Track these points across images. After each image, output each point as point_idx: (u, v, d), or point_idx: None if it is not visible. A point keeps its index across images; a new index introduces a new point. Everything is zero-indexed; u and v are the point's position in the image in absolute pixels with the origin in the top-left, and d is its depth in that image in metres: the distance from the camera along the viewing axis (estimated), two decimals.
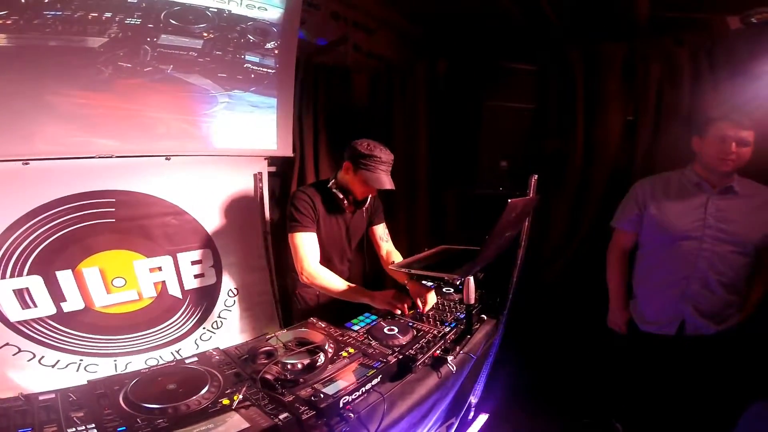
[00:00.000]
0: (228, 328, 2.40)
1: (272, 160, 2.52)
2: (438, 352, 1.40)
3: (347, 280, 1.82)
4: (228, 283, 2.38)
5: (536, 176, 1.76)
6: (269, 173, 2.52)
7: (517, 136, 2.51)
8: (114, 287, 1.98)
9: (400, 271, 1.63)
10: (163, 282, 2.13)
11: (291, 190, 2.64)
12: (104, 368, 1.99)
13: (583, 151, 2.47)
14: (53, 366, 1.87)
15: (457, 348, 1.43)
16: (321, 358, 1.25)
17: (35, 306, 1.78)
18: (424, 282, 1.78)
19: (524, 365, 2.50)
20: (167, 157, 2.05)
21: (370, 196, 1.86)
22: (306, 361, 1.22)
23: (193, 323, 2.26)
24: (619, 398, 2.20)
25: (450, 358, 1.36)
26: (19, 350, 1.78)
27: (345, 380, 1.16)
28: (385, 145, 1.74)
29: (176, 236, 2.16)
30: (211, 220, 2.28)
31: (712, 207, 1.69)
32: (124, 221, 1.96)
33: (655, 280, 1.86)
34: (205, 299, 2.29)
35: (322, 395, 1.08)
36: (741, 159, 1.61)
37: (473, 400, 1.82)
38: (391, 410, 1.16)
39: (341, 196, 1.78)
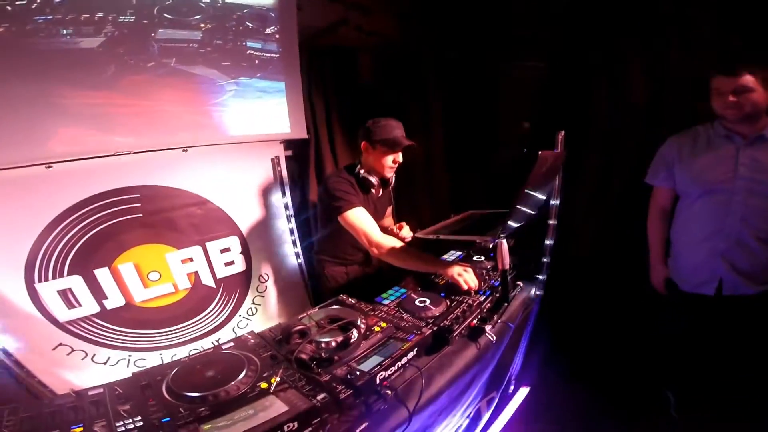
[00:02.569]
0: (263, 314, 2.43)
1: (288, 144, 2.47)
2: (475, 321, 1.33)
3: (368, 260, 1.83)
4: (258, 268, 2.39)
5: (563, 132, 1.61)
6: (286, 157, 2.47)
7: (536, 97, 2.34)
8: (150, 281, 2.01)
9: (428, 237, 1.56)
10: (196, 272, 2.16)
11: (309, 172, 2.59)
12: (152, 362, 2.06)
13: (609, 104, 2.28)
14: (105, 363, 1.95)
15: (495, 317, 1.36)
16: (354, 335, 1.21)
17: (80, 305, 1.83)
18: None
19: (563, 334, 2.40)
20: (184, 149, 2.03)
21: (394, 172, 1.85)
22: (339, 339, 1.19)
23: (229, 311, 2.29)
24: (667, 366, 2.09)
25: (488, 327, 1.29)
26: (72, 350, 1.86)
27: (380, 356, 1.12)
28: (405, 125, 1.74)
29: (203, 226, 2.16)
30: (235, 207, 2.27)
31: (745, 157, 1.58)
32: (151, 215, 1.97)
33: (687, 237, 1.79)
34: (237, 286, 2.32)
35: (357, 373, 1.04)
36: (748, 105, 1.50)
37: (513, 372, 1.77)
38: (429, 385, 1.11)
39: (370, 178, 1.79)
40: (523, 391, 1.93)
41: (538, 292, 1.70)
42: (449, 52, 2.73)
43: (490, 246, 1.51)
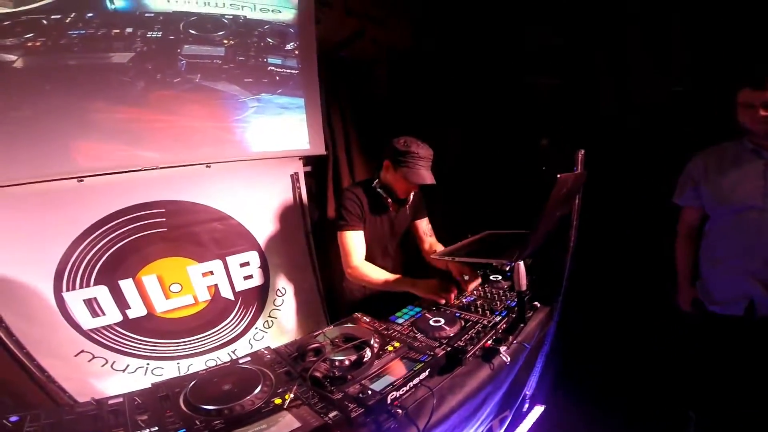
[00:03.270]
0: (279, 327, 2.45)
1: (307, 160, 2.52)
2: (489, 342, 1.31)
3: None
4: (276, 282, 2.42)
5: (583, 151, 1.60)
6: (305, 173, 2.52)
7: (555, 112, 2.32)
8: (172, 293, 2.06)
9: (444, 259, 1.55)
10: (216, 285, 2.20)
11: (327, 188, 2.63)
12: (169, 371, 2.09)
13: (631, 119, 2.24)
14: (124, 371, 1.99)
15: (510, 338, 1.33)
16: (367, 354, 1.21)
17: (103, 314, 1.89)
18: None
19: (581, 353, 2.32)
20: (208, 165, 2.10)
21: (412, 193, 1.86)
22: (353, 357, 1.20)
23: (246, 324, 2.32)
24: (690, 385, 1.99)
25: (503, 348, 1.27)
26: (93, 357, 1.90)
27: (392, 375, 1.12)
28: (421, 140, 1.73)
29: (224, 240, 2.22)
30: (255, 223, 2.32)
31: None
32: (174, 229, 2.03)
33: (718, 257, 1.71)
34: (255, 300, 2.35)
35: (369, 392, 1.04)
36: None
37: (528, 392, 1.71)
38: (441, 405, 1.09)
39: (385, 195, 1.80)
40: (538, 410, 1.86)
41: (555, 313, 1.66)
42: (464, 64, 2.74)
43: (507, 268, 1.49)
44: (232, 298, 2.26)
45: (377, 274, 1.71)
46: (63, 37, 1.65)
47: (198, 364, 2.16)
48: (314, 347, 1.20)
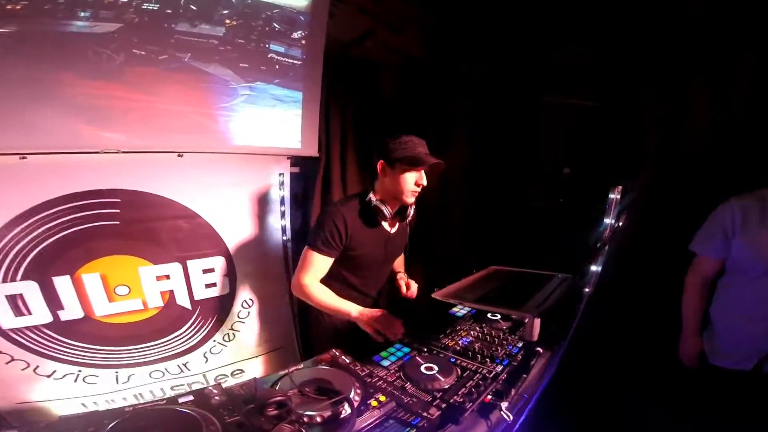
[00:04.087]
0: (240, 341, 2.17)
1: (295, 160, 2.28)
2: (489, 397, 1.09)
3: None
4: (243, 293, 2.15)
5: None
6: (292, 174, 2.28)
7: (577, 138, 2.14)
8: (117, 295, 1.77)
9: (449, 302, 1.32)
10: (171, 291, 1.91)
11: (315, 193, 2.38)
12: (104, 380, 1.80)
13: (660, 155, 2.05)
14: (49, 376, 1.69)
15: (513, 391, 1.12)
16: (346, 409, 0.97)
17: (29, 313, 1.59)
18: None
19: (576, 395, 2.14)
20: (180, 154, 1.83)
21: (413, 204, 1.58)
22: (327, 414, 0.95)
23: (202, 335, 2.03)
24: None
25: (504, 404, 1.05)
26: (12, 359, 1.61)
27: None
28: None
29: (187, 242, 1.94)
30: (227, 225, 2.05)
31: None
32: (129, 224, 1.75)
33: (739, 313, 1.57)
34: (216, 310, 2.07)
35: None
36: None
37: None
38: None
39: (382, 208, 1.52)
40: None
41: (556, 359, 1.46)
42: (478, 77, 2.55)
43: (525, 320, 1.28)
44: (189, 306, 1.97)
45: (323, 296, 1.51)
46: (49, 1, 1.43)
47: (141, 375, 1.87)
48: (277, 400, 0.94)
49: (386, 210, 1.52)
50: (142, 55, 1.65)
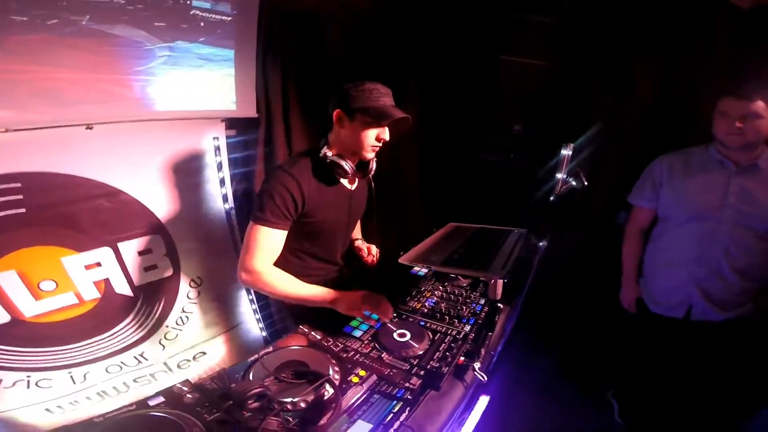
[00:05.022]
0: (196, 323, 2.11)
1: (232, 123, 2.09)
2: (462, 359, 1.21)
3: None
4: (189, 272, 2.04)
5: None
6: (229, 138, 2.09)
7: (532, 96, 2.19)
8: (43, 292, 1.59)
9: (415, 265, 1.36)
10: (107, 280, 1.76)
11: (257, 156, 2.22)
12: (59, 382, 1.70)
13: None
14: None
15: (482, 350, 1.25)
16: (329, 390, 1.02)
17: None
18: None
19: (529, 346, 2.44)
20: (88, 126, 1.57)
21: (373, 156, 1.44)
22: (310, 398, 0.99)
23: (153, 322, 1.94)
24: (621, 376, 2.23)
25: (477, 365, 1.18)
26: None
27: (366, 421, 0.94)
28: None
29: (113, 223, 1.75)
30: (159, 200, 1.87)
31: (735, 186, 1.58)
32: (38, 210, 1.52)
33: (665, 260, 1.81)
34: (162, 294, 1.96)
35: None
36: (752, 134, 1.50)
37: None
38: None
39: (341, 163, 1.35)
40: (484, 400, 1.90)
41: (516, 311, 1.64)
42: (432, 32, 2.44)
43: (489, 281, 1.38)
44: (130, 293, 1.84)
45: (284, 285, 1.33)
46: None
47: (96, 372, 1.78)
48: (256, 392, 0.95)
49: (346, 165, 1.36)
50: (24, 21, 1.33)
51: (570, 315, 2.51)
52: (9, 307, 1.51)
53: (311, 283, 1.39)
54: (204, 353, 2.12)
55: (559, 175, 1.50)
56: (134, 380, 1.84)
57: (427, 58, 2.48)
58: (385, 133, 1.36)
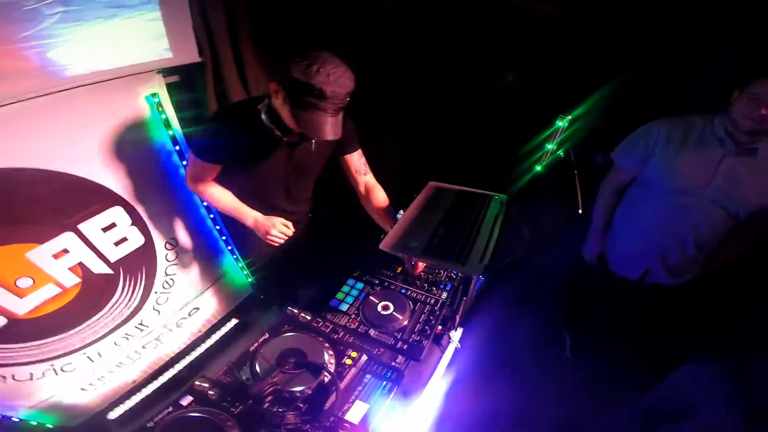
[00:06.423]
0: (182, 283, 2.29)
1: (172, 73, 1.87)
2: (439, 327, 1.48)
3: (306, 227, 1.85)
4: (162, 235, 2.11)
5: None
6: (173, 84, 1.90)
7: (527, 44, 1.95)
8: (23, 289, 1.67)
9: (399, 255, 1.46)
10: (80, 263, 1.83)
11: (210, 99, 2.04)
12: (80, 363, 1.97)
13: None
14: (30, 379, 1.83)
15: (457, 317, 1.52)
16: (326, 376, 1.28)
17: None
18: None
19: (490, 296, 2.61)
20: None
21: None
22: (313, 385, 1.25)
23: (141, 293, 2.10)
24: (576, 317, 2.58)
25: (453, 333, 1.46)
26: None
27: (364, 401, 1.23)
28: (341, 57, 1.33)
29: (65, 206, 1.72)
30: (106, 171, 1.80)
31: (727, 166, 1.62)
32: None
33: (634, 226, 1.93)
34: (141, 263, 2.07)
35: (348, 425, 1.16)
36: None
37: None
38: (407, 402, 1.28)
39: (269, 125, 1.49)
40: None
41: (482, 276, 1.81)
42: None
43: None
44: (109, 271, 1.94)
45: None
46: None
47: (107, 347, 2.05)
48: (270, 391, 1.21)
49: (277, 129, 1.48)
50: None
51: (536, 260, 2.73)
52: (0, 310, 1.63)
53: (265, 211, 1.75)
54: (197, 308, 2.37)
55: (549, 146, 1.51)
56: (143, 347, 2.11)
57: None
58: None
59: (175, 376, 2.31)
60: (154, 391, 2.23)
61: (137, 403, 2.17)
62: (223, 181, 1.73)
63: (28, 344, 1.76)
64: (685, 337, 2.33)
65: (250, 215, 1.71)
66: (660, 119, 1.76)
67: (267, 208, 1.78)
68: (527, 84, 2.03)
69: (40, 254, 1.69)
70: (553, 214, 2.24)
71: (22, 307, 1.69)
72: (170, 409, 1.22)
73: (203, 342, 2.48)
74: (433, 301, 1.58)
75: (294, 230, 1.71)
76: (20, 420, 1.85)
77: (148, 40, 1.69)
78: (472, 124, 2.27)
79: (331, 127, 1.35)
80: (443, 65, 2.23)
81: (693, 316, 2.28)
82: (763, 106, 1.46)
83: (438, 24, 2.20)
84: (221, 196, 1.71)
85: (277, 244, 1.70)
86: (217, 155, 1.58)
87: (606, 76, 2.01)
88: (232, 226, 2.10)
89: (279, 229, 1.66)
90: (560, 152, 1.67)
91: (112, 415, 2.10)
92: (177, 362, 2.36)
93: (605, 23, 2.02)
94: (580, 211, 1.97)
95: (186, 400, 1.25)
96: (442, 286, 1.64)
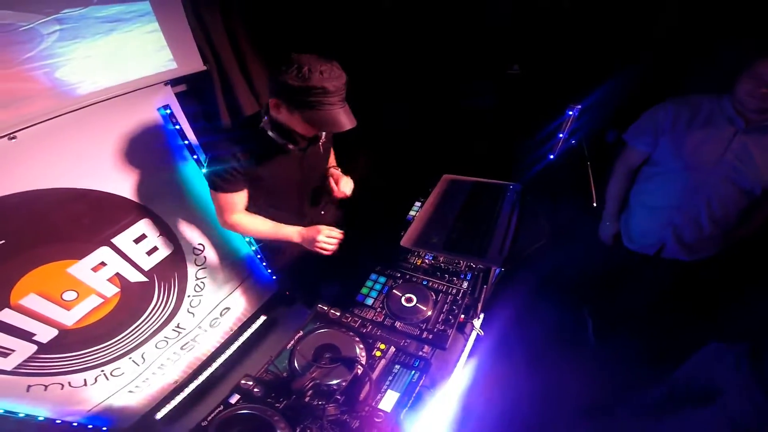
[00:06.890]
0: (212, 285, 2.44)
1: (180, 84, 1.96)
2: (462, 316, 1.57)
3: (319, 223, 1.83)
4: (189, 242, 2.25)
5: None
6: (181, 94, 1.99)
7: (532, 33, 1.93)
8: (69, 302, 1.84)
9: (420, 250, 1.54)
10: (117, 274, 1.98)
11: (219, 107, 2.13)
12: (126, 367, 2.17)
13: None
14: (84, 385, 2.03)
15: (479, 305, 1.60)
16: (359, 369, 1.39)
17: (12, 351, 1.72)
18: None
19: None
20: (11, 137, 1.47)
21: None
22: (348, 377, 1.36)
23: (176, 297, 2.26)
24: (597, 299, 2.63)
25: (476, 321, 1.54)
26: (45, 387, 1.90)
27: (395, 390, 1.34)
28: (327, 54, 1.37)
29: (97, 222, 1.86)
30: (131, 185, 1.92)
31: (737, 144, 1.67)
32: (12, 236, 1.58)
33: (649, 204, 1.99)
34: (173, 270, 2.21)
35: (381, 413, 1.27)
36: None
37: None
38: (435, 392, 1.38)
39: (282, 141, 1.55)
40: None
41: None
42: None
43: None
44: (145, 279, 2.09)
45: (257, 227, 1.73)
46: None
47: (150, 350, 2.24)
48: (311, 386, 1.32)
49: (286, 140, 1.54)
50: None
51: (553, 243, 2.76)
52: (51, 323, 1.80)
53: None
54: (228, 308, 2.52)
55: (560, 135, 1.55)
56: (181, 348, 2.27)
57: None
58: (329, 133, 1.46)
59: (212, 373, 2.49)
60: (194, 390, 2.42)
61: (180, 402, 2.36)
62: (248, 207, 1.77)
63: (78, 352, 1.94)
64: (708, 317, 2.35)
65: (293, 231, 1.73)
66: (666, 100, 1.82)
67: (296, 218, 1.83)
68: (534, 74, 2.03)
69: (80, 269, 1.84)
70: (568, 202, 2.27)
71: (70, 318, 1.86)
72: (221, 407, 1.36)
73: (236, 340, 2.65)
74: (454, 291, 1.66)
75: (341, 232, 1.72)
76: (78, 424, 2.05)
77: (151, 53, 1.76)
78: (482, 115, 2.28)
79: (346, 117, 1.41)
80: (452, 58, 2.23)
81: (713, 295, 2.29)
82: (763, 85, 1.51)
83: (443, 17, 2.20)
84: (256, 224, 1.73)
85: (328, 252, 1.70)
86: (236, 185, 1.59)
87: (615, 63, 1.99)
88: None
89: (326, 234, 1.68)
90: (572, 141, 1.70)
91: (159, 414, 2.30)
92: (213, 360, 2.54)
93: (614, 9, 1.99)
94: (594, 204, 1.99)
95: (234, 398, 1.38)
96: (462, 276, 1.71)
